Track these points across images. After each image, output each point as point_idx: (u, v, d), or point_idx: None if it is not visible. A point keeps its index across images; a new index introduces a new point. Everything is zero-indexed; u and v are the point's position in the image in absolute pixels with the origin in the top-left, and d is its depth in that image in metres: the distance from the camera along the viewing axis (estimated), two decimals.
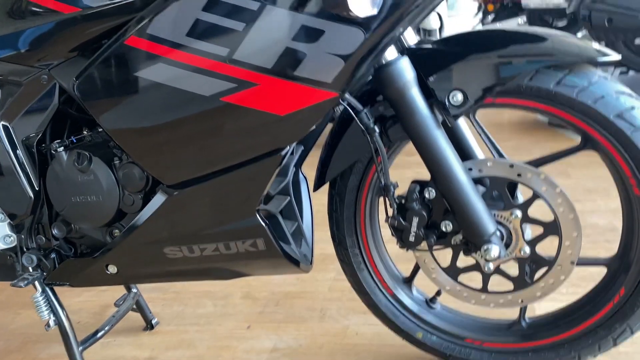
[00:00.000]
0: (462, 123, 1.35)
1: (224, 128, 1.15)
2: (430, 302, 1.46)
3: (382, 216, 1.41)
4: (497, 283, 1.32)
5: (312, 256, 1.45)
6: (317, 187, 1.39)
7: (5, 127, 1.35)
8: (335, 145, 1.33)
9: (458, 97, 1.16)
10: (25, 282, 1.37)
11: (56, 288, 1.51)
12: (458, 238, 1.27)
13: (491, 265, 1.28)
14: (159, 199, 1.28)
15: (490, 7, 5.84)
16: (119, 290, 1.83)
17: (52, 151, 1.36)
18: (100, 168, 1.32)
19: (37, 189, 1.38)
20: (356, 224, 1.41)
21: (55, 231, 1.41)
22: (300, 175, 1.53)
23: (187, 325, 1.87)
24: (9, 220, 1.43)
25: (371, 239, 1.44)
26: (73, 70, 1.26)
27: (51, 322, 1.48)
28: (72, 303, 1.61)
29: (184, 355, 1.71)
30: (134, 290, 1.79)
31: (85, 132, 1.42)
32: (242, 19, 1.04)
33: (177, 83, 1.11)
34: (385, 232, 1.44)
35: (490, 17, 5.98)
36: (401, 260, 1.56)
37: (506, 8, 6.03)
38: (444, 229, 1.26)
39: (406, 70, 1.16)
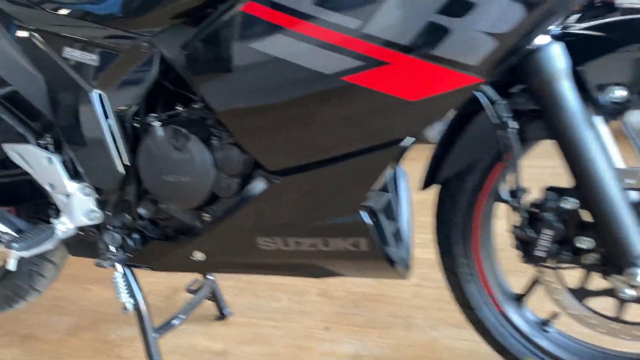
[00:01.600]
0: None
1: (342, 112, 1.02)
2: (544, 324, 1.29)
3: (499, 223, 1.25)
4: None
5: (410, 260, 1.31)
6: (426, 185, 1.24)
7: (99, 96, 1.27)
8: (454, 140, 1.18)
9: (620, 93, 0.99)
10: (109, 262, 1.29)
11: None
12: (594, 257, 1.10)
13: (633, 292, 1.10)
14: (258, 186, 1.17)
15: (576, 6, 5.48)
16: (188, 274, 1.75)
17: (147, 125, 1.27)
18: (197, 147, 1.22)
19: (127, 164, 1.30)
20: (468, 230, 1.26)
21: (141, 210, 1.33)
22: (399, 170, 1.39)
23: (261, 318, 1.77)
24: (95, 195, 1.36)
25: (484, 249, 1.28)
26: (177, 39, 1.16)
27: (128, 306, 1.41)
28: (142, 284, 1.55)
29: (259, 352, 1.61)
30: (211, 277, 1.70)
31: (179, 108, 1.33)
32: None
33: (296, 58, 0.98)
34: (500, 240, 1.29)
35: (574, 18, 5.62)
36: (510, 273, 1.40)
37: (594, 7, 5.65)
38: (579, 245, 1.09)
39: (558, 58, 0.99)
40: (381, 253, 1.18)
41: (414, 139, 1.04)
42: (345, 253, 1.19)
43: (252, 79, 1.05)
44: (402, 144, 1.03)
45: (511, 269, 1.33)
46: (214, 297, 1.77)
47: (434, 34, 0.91)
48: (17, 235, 1.34)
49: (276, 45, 0.99)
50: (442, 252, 1.31)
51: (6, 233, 1.37)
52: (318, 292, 1.91)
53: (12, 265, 1.26)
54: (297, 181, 1.12)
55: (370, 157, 1.05)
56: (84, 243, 1.48)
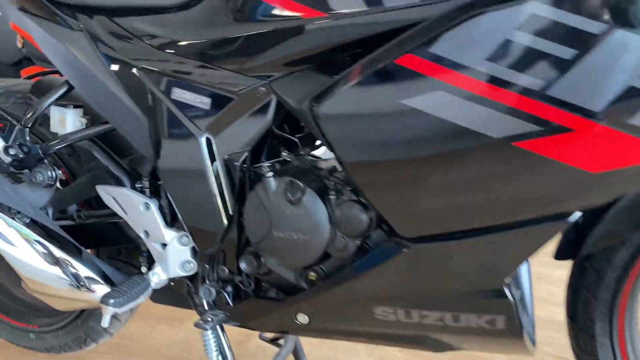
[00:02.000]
0: None
1: (504, 179, 0.89)
2: None
3: None
4: None
5: (534, 334, 1.17)
6: (565, 256, 1.10)
7: (208, 141, 1.17)
8: (603, 209, 1.05)
9: None
10: (211, 324, 1.18)
11: None
12: None
13: None
14: (385, 251, 1.05)
15: None
16: None
17: (258, 174, 1.17)
18: (313, 202, 1.11)
19: (231, 213, 1.20)
20: (614, 308, 1.11)
21: (242, 264, 1.22)
22: None
23: None
24: (193, 245, 1.26)
25: (628, 329, 1.13)
26: (300, 86, 1.07)
27: None
28: None
29: None
30: None
31: (285, 155, 1.23)
32: (574, 44, 0.79)
33: (456, 117, 0.87)
34: None
35: None
36: None
37: None
38: None
39: None
40: (520, 331, 1.04)
41: (581, 214, 0.91)
42: (476, 330, 1.06)
43: (397, 135, 0.93)
44: (570, 218, 0.90)
45: None
46: (295, 350, 1.65)
47: (634, 99, 0.78)
48: (108, 287, 1.24)
49: (434, 102, 0.87)
50: (577, 329, 1.17)
51: (93, 280, 1.28)
52: (398, 348, 1.76)
53: (106, 322, 1.16)
54: (435, 250, 1.00)
55: (530, 231, 0.92)
56: (169, 290, 1.38)
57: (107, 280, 1.31)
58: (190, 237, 1.24)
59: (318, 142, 1.34)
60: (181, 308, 1.45)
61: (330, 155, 1.12)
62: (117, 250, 1.53)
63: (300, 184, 1.11)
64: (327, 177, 1.15)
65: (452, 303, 1.05)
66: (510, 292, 1.01)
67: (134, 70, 1.21)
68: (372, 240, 1.11)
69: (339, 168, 1.20)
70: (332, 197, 1.11)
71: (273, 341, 1.56)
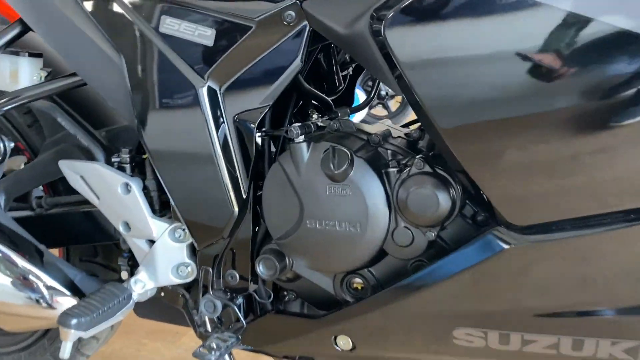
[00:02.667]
0: None
1: None
2: None
3: None
4: None
5: None
6: None
7: (211, 93, 0.83)
8: None
9: None
10: (219, 353, 0.83)
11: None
12: None
13: None
14: (477, 249, 0.71)
15: None
16: None
17: (283, 141, 0.84)
18: (365, 176, 0.77)
19: (244, 197, 0.86)
20: None
21: (260, 268, 0.88)
22: None
23: None
24: (190, 241, 0.91)
25: None
26: (347, 4, 0.73)
27: None
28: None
29: None
30: None
31: (316, 117, 0.89)
32: None
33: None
34: None
35: None
36: None
37: None
38: None
39: None
40: None
41: None
42: None
43: (516, 79, 0.59)
44: None
45: None
46: None
47: None
48: (74, 300, 0.90)
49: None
50: None
51: (57, 291, 0.93)
52: None
53: (66, 353, 0.81)
54: (560, 245, 0.66)
55: None
56: (159, 303, 1.04)
57: (76, 291, 0.97)
58: (186, 230, 0.90)
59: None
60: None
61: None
62: (92, 250, 1.18)
63: (346, 150, 0.77)
64: (382, 144, 0.81)
65: (573, 324, 0.71)
66: None
67: None
68: (452, 232, 0.77)
69: (398, 133, 0.86)
70: (393, 170, 0.77)
71: None
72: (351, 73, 1.10)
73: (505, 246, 0.68)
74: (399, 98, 4.97)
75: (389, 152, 0.81)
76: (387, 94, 4.49)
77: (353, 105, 1.05)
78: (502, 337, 0.75)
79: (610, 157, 0.62)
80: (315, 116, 0.90)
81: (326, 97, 0.97)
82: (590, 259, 0.66)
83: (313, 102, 0.98)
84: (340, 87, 1.03)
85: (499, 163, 0.64)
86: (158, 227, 0.90)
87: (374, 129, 0.87)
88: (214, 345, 0.83)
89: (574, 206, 0.65)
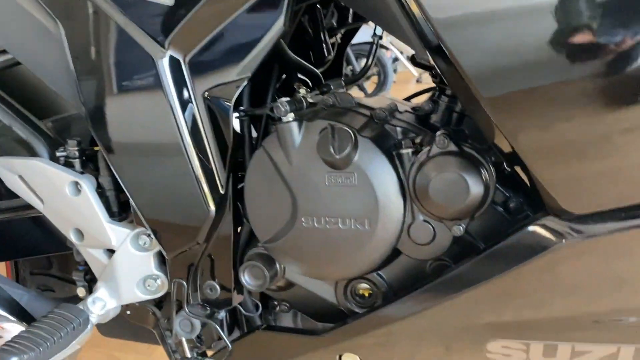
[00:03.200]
0: None
1: None
2: None
3: None
4: None
5: None
6: None
7: (174, 63, 0.66)
8: None
9: None
10: None
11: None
12: None
13: None
14: (526, 243, 0.56)
15: None
16: None
17: (267, 121, 0.68)
18: (373, 160, 0.62)
19: (222, 192, 0.70)
20: None
21: (245, 277, 0.72)
22: None
23: None
24: (158, 248, 0.75)
25: None
26: None
27: None
28: None
29: None
30: None
31: (304, 92, 0.74)
32: None
33: None
34: None
35: None
36: None
37: None
38: None
39: None
40: None
41: None
42: None
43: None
44: None
45: None
46: None
47: None
48: (21, 327, 0.73)
49: None
50: None
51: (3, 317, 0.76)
52: None
53: None
54: (623, 239, 0.52)
55: None
56: (125, 322, 0.88)
57: (23, 314, 0.80)
58: (152, 236, 0.74)
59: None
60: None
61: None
62: (45, 261, 1.01)
63: (348, 129, 0.61)
64: (389, 120, 0.66)
65: (636, 330, 0.58)
66: None
67: None
68: (480, 224, 0.62)
69: (404, 107, 0.71)
70: (407, 152, 0.62)
71: None
72: (339, 41, 0.95)
73: (560, 240, 0.54)
74: (375, 79, 4.82)
75: (399, 129, 0.66)
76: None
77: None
78: (547, 348, 0.61)
79: None
80: (303, 91, 0.74)
81: (315, 69, 0.81)
82: None
83: (299, 75, 0.82)
84: (329, 57, 0.88)
85: (555, 138, 0.50)
86: (117, 233, 0.74)
87: (376, 102, 0.72)
88: None
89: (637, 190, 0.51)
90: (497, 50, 0.50)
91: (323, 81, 0.81)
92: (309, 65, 0.79)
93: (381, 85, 4.44)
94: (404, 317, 0.64)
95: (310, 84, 0.82)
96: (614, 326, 0.58)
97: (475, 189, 0.58)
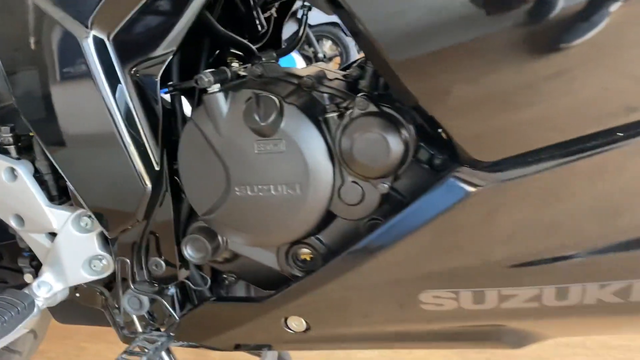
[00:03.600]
0: None
1: None
2: None
3: None
4: None
5: None
6: None
7: (98, 43, 0.67)
8: None
9: None
10: (144, 356, 0.69)
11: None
12: None
13: None
14: (443, 194, 0.59)
15: None
16: None
17: (195, 94, 0.69)
18: (300, 125, 0.63)
19: (156, 168, 0.71)
20: None
21: (188, 251, 0.74)
22: None
23: None
24: (100, 229, 0.76)
25: None
26: None
27: None
28: None
29: None
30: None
31: (236, 65, 0.75)
32: None
33: None
34: None
35: None
36: None
37: None
38: None
39: None
40: None
41: None
42: (595, 307, 0.63)
43: None
44: None
45: None
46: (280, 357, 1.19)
47: None
48: None
49: None
50: None
51: None
52: None
53: None
54: (537, 181, 0.55)
55: None
56: (76, 305, 0.88)
57: None
58: (93, 217, 0.74)
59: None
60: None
61: None
62: None
63: (273, 97, 0.63)
64: (317, 87, 0.68)
65: (556, 271, 0.61)
66: None
67: None
68: (408, 182, 0.65)
69: (335, 75, 0.73)
70: (332, 116, 0.64)
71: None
72: (275, 15, 0.96)
73: (472, 189, 0.57)
74: (338, 60, 4.83)
75: (326, 95, 0.68)
76: (324, 56, 4.32)
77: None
78: (476, 295, 0.65)
79: (580, 76, 0.52)
80: (235, 65, 0.76)
81: (246, 42, 0.82)
82: (569, 193, 0.56)
83: (233, 50, 0.83)
84: (263, 31, 0.88)
85: (460, 93, 0.52)
86: (57, 217, 0.74)
87: (305, 72, 0.74)
88: (139, 349, 0.69)
89: (547, 132, 0.54)
90: (399, 14, 0.52)
91: (257, 54, 0.82)
92: (241, 39, 0.80)
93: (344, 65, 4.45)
94: (339, 276, 0.66)
95: (245, 57, 0.83)
96: (534, 269, 0.61)
97: (396, 147, 0.61)
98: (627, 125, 0.52)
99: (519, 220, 0.59)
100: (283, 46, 0.97)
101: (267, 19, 0.94)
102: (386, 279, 0.66)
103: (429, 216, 0.59)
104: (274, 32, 0.95)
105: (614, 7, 0.50)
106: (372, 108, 0.61)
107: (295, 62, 2.86)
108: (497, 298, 0.65)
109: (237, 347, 0.83)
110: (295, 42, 0.83)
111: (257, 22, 0.87)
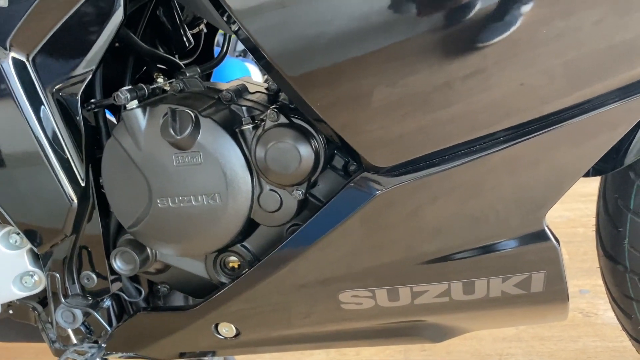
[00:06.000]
0: None
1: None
2: None
3: None
4: None
5: None
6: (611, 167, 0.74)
7: (18, 64, 0.68)
8: None
9: None
10: None
11: None
12: None
13: None
14: (346, 200, 0.63)
15: None
16: None
17: (114, 111, 0.71)
18: (216, 137, 0.66)
19: (82, 184, 0.72)
20: None
21: (117, 264, 0.75)
22: None
23: None
24: (29, 246, 0.77)
25: None
26: None
27: None
28: None
29: None
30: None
31: (162, 80, 0.77)
32: None
33: None
34: None
35: None
36: None
37: None
38: None
39: None
40: (566, 290, 0.68)
41: None
42: (502, 300, 0.68)
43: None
44: None
45: None
46: None
47: None
48: None
49: None
50: (616, 272, 0.82)
51: None
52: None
53: None
54: (431, 182, 0.59)
55: (602, 118, 0.54)
56: (14, 322, 0.89)
57: None
58: (21, 233, 0.75)
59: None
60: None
61: None
62: None
63: (189, 111, 0.65)
64: (235, 100, 0.71)
65: (461, 267, 0.66)
66: (552, 233, 0.64)
67: None
68: (325, 188, 0.69)
69: (257, 88, 0.76)
70: (248, 127, 0.67)
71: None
72: (205, 30, 0.98)
73: (374, 193, 0.61)
74: None
75: (244, 108, 0.71)
76: None
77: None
78: (390, 293, 0.68)
79: (464, 83, 0.56)
80: (161, 80, 0.78)
81: (172, 57, 0.85)
82: (464, 191, 0.61)
83: (160, 66, 0.85)
84: (191, 47, 0.91)
85: (353, 105, 0.57)
86: None
87: (227, 86, 0.77)
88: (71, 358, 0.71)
89: (433, 139, 0.58)
90: (293, 34, 0.55)
91: (182, 69, 0.85)
92: (165, 55, 0.83)
93: None
94: (261, 281, 0.69)
95: (172, 72, 0.86)
96: (440, 266, 0.66)
97: (307, 156, 0.64)
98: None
99: (422, 220, 0.63)
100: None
101: (198, 34, 0.97)
102: (305, 282, 0.69)
103: (337, 220, 0.63)
104: (204, 47, 0.97)
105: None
106: (283, 119, 0.65)
107: (250, 71, 2.90)
108: (410, 295, 0.69)
109: (182, 355, 0.85)
110: (218, 60, 0.86)
111: (185, 38, 0.90)
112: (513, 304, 0.69)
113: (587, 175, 0.71)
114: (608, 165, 0.72)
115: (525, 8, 0.53)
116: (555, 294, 0.68)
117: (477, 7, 0.53)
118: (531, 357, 1.18)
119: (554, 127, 0.54)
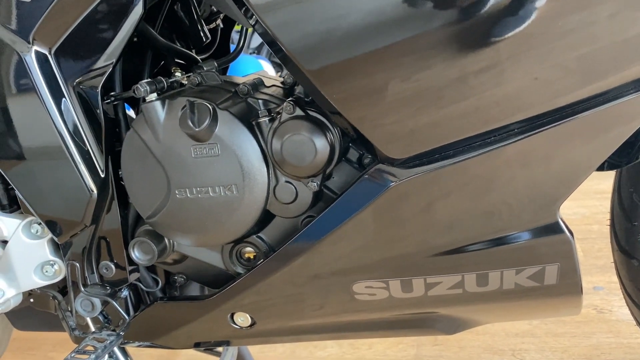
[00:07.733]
0: None
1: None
2: None
3: None
4: None
5: None
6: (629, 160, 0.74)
7: (40, 57, 0.70)
8: None
9: None
10: (93, 356, 0.72)
11: None
12: None
13: None
14: (364, 190, 0.64)
15: None
16: None
17: (134, 103, 0.73)
18: (234, 130, 0.67)
19: (102, 175, 0.74)
20: None
21: (135, 254, 0.77)
22: None
23: None
24: (49, 236, 0.79)
25: None
26: None
27: None
28: None
29: None
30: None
31: (179, 74, 0.79)
32: None
33: None
34: None
35: None
36: None
37: None
38: None
39: None
40: (579, 283, 0.68)
41: None
42: (516, 293, 0.68)
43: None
44: None
45: None
46: (240, 355, 1.23)
47: None
48: None
49: None
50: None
51: None
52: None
53: None
54: (446, 174, 0.60)
55: (617, 110, 0.54)
56: (36, 312, 0.91)
57: None
58: (43, 223, 0.77)
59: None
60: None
61: None
62: None
63: (207, 103, 0.67)
64: (252, 94, 0.72)
65: (474, 259, 0.66)
66: (566, 226, 0.64)
67: None
68: (340, 180, 0.69)
69: (273, 82, 0.77)
70: (264, 120, 0.68)
71: (208, 349, 1.13)
72: (222, 26, 1.00)
73: (389, 184, 0.61)
74: None
75: (260, 101, 0.72)
76: None
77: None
78: (404, 284, 0.69)
79: (478, 77, 0.57)
80: (179, 74, 0.79)
81: (190, 52, 0.86)
82: (478, 183, 0.61)
83: (178, 60, 0.87)
84: (208, 41, 0.92)
85: (369, 98, 0.57)
86: (8, 224, 0.77)
87: (243, 80, 0.78)
88: (89, 348, 0.72)
89: (448, 131, 0.59)
90: (312, 28, 0.56)
91: (200, 63, 0.86)
92: (182, 49, 0.84)
93: None
94: (276, 272, 0.70)
95: (190, 67, 0.87)
96: (453, 258, 0.66)
97: (322, 148, 0.65)
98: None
99: (437, 211, 0.63)
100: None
101: (215, 29, 0.98)
102: (320, 272, 0.70)
103: (351, 212, 0.64)
104: (221, 42, 0.99)
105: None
106: (299, 112, 0.66)
107: (264, 68, 2.92)
108: (424, 286, 0.69)
109: (197, 345, 0.86)
110: (235, 54, 0.87)
111: (202, 33, 0.91)
112: (526, 296, 0.69)
113: (601, 169, 0.71)
114: (623, 160, 0.72)
115: (540, 2, 0.53)
116: (568, 286, 0.68)
117: (492, 1, 0.54)
118: (544, 352, 1.18)
119: (568, 119, 0.55)
